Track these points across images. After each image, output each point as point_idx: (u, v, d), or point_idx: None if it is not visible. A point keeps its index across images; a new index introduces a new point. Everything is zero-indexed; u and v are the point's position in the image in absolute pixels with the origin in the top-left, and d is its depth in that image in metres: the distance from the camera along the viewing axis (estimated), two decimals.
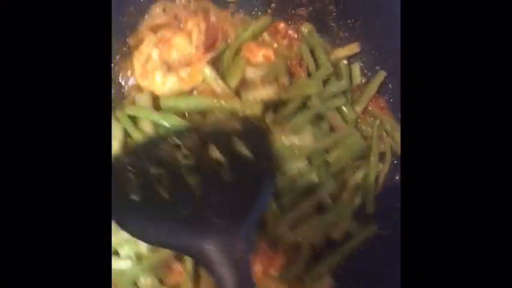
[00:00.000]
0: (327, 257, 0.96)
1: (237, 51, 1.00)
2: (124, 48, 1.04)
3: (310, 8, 1.08)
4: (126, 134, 0.94)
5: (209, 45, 1.01)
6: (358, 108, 1.04)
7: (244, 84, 0.97)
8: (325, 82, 1.01)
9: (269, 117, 0.96)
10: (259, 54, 1.01)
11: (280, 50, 1.01)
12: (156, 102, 0.97)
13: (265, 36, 1.03)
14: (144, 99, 0.97)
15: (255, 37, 1.02)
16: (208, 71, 0.96)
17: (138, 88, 1.01)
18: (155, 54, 0.99)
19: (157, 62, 0.99)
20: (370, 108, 1.04)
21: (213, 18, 1.05)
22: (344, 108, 1.01)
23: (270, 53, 1.01)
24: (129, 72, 1.03)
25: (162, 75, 0.98)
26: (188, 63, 0.99)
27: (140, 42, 1.02)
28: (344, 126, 1.01)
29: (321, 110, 0.97)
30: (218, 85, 0.95)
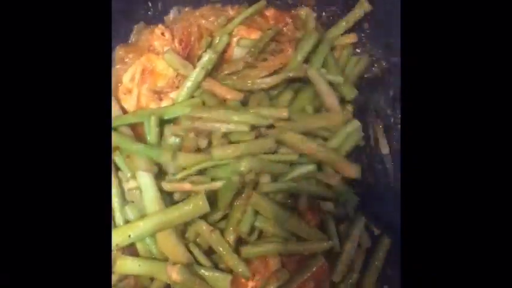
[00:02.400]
0: None
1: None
2: None
3: None
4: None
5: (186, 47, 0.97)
6: None
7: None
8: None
9: (255, 98, 0.88)
10: (250, 37, 0.94)
11: (266, 29, 0.95)
12: None
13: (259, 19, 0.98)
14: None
15: (246, 21, 0.98)
16: (168, 56, 0.90)
17: None
18: (144, 89, 0.94)
19: (148, 96, 0.94)
20: None
21: (183, 23, 1.00)
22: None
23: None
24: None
25: (156, 104, 0.93)
26: (177, 85, 0.94)
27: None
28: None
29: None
30: (183, 65, 0.90)
